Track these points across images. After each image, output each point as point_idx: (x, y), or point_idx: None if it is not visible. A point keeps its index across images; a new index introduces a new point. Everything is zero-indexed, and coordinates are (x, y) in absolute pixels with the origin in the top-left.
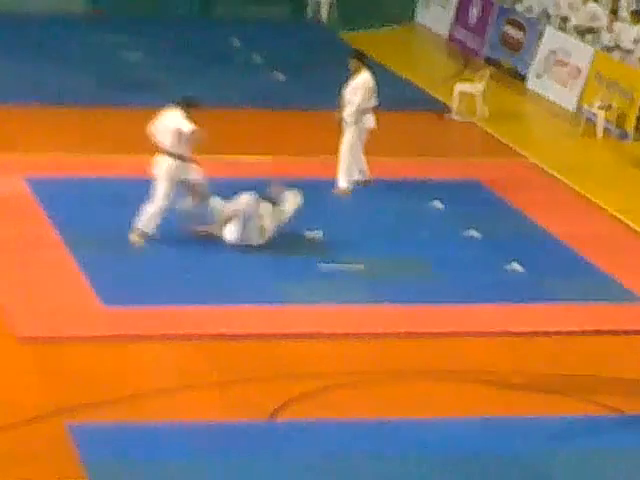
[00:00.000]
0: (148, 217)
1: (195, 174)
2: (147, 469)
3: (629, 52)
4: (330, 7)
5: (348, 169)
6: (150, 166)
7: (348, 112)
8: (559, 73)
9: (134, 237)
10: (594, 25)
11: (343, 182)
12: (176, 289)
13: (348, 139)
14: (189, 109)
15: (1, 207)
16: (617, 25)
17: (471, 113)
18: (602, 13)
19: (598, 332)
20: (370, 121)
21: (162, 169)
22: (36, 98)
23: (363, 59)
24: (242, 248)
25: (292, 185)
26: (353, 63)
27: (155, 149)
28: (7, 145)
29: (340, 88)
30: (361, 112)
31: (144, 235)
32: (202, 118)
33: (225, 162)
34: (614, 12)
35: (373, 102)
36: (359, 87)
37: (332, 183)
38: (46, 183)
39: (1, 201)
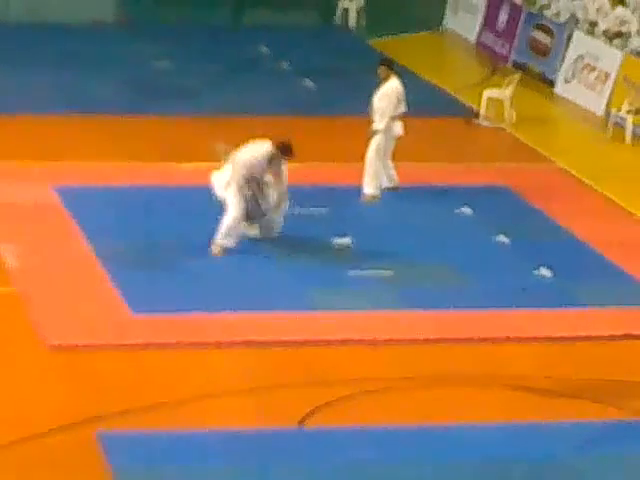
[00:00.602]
0: (226, 230)
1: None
2: (177, 477)
3: None
4: (358, 14)
5: (374, 175)
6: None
7: (379, 121)
8: (587, 78)
9: (215, 249)
10: (622, 29)
11: (369, 188)
12: (205, 296)
13: (375, 145)
14: (282, 154)
15: (31, 216)
16: None
17: (499, 118)
18: (631, 17)
19: (627, 336)
20: (398, 128)
21: (228, 181)
22: (66, 107)
23: (392, 66)
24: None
25: (321, 191)
26: (382, 70)
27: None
28: (37, 154)
29: (369, 95)
30: (390, 119)
31: (225, 250)
32: (232, 125)
33: None
34: None
35: (402, 109)
36: (388, 94)
37: (361, 190)
38: (76, 192)
39: (31, 210)
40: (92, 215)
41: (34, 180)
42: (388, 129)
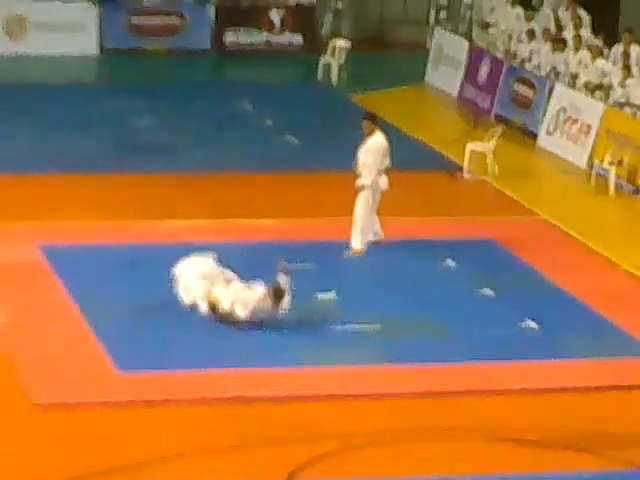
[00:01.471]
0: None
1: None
2: None
3: None
4: (340, 69)
5: (363, 231)
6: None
7: (366, 176)
8: (569, 130)
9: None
10: (603, 82)
11: (357, 243)
12: (190, 353)
13: (363, 200)
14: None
15: (15, 274)
16: (629, 81)
17: (483, 172)
18: (611, 69)
19: (613, 387)
20: (383, 182)
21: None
22: (48, 166)
23: (375, 120)
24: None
25: (305, 247)
26: (366, 125)
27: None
28: (20, 213)
29: (353, 150)
30: (376, 173)
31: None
32: (214, 182)
33: (237, 226)
34: (627, 68)
35: (387, 163)
36: (373, 149)
37: (345, 245)
38: (60, 250)
39: (15, 269)
40: (77, 273)
41: (18, 239)
42: (374, 184)
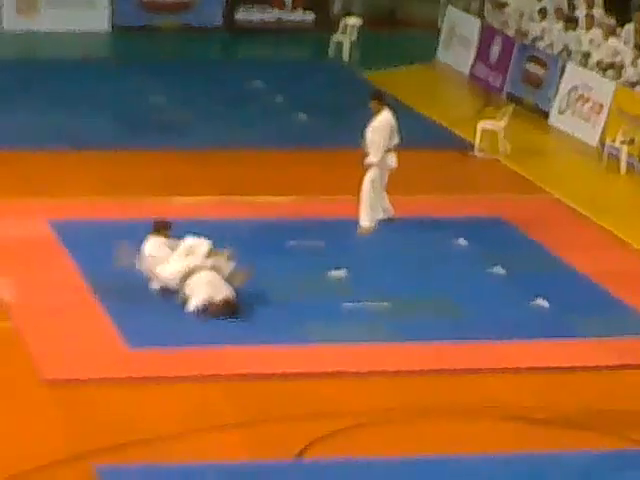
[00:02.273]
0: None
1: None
2: None
3: None
4: (351, 47)
5: (370, 208)
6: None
7: (373, 155)
8: (581, 109)
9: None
10: (615, 61)
11: (365, 221)
12: (200, 330)
13: (370, 179)
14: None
15: (26, 251)
16: None
17: (494, 150)
18: (623, 48)
19: (625, 366)
20: (392, 160)
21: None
22: (60, 142)
23: (383, 99)
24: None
25: (316, 225)
26: (373, 104)
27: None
28: (32, 189)
29: (363, 128)
30: (384, 152)
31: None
32: (226, 159)
33: (248, 203)
34: (639, 47)
35: (395, 141)
36: (380, 127)
37: (356, 223)
38: (70, 226)
39: (26, 245)
40: (87, 249)
41: (29, 216)
42: (382, 162)
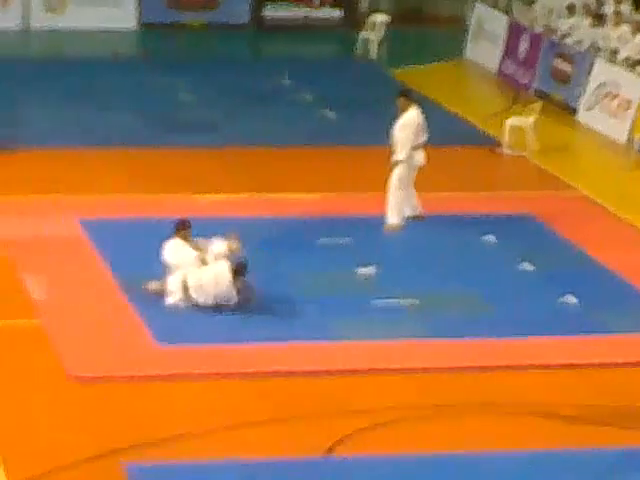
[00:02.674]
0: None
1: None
2: None
3: None
4: (379, 44)
5: (397, 205)
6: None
7: (400, 152)
8: (609, 105)
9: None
10: None
11: (393, 218)
12: (229, 327)
13: (396, 176)
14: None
15: (55, 248)
16: None
17: (522, 147)
18: None
19: None
20: (420, 158)
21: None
22: (89, 140)
23: (410, 96)
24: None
25: (344, 222)
26: (400, 101)
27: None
28: (61, 187)
29: (391, 125)
30: (411, 149)
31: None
32: (254, 157)
33: (276, 201)
34: None
35: (423, 138)
36: (407, 125)
37: (384, 220)
38: (99, 224)
39: (55, 242)
40: (116, 247)
41: (59, 213)
42: (409, 159)
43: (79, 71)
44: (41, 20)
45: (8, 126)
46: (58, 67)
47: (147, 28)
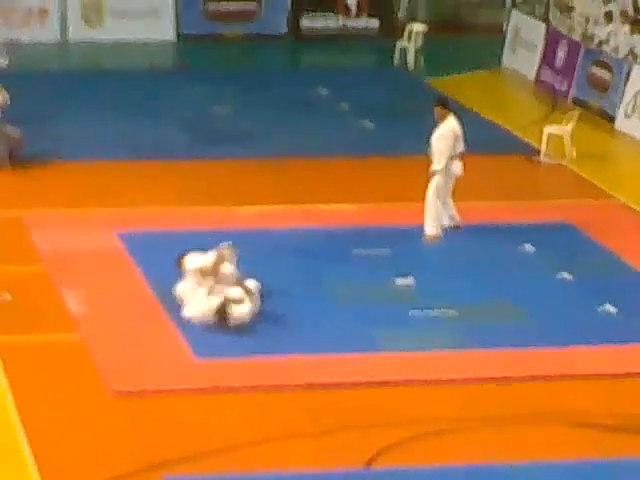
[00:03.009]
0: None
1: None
2: None
3: None
4: (416, 54)
5: (435, 215)
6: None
7: (438, 162)
8: None
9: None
10: None
11: (431, 229)
12: (268, 339)
13: (434, 186)
14: None
15: (94, 262)
16: None
17: (560, 155)
18: None
19: None
20: (457, 168)
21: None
22: (126, 152)
23: (447, 106)
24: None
25: (382, 232)
26: (437, 111)
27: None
28: (98, 200)
29: (429, 134)
30: (449, 159)
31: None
32: (291, 168)
33: (313, 211)
34: None
35: (460, 148)
36: (445, 135)
37: (422, 230)
38: (137, 237)
39: (93, 256)
40: (155, 260)
41: (97, 226)
42: (447, 169)
43: (117, 83)
44: (79, 33)
45: (46, 139)
46: (96, 79)
47: (185, 39)
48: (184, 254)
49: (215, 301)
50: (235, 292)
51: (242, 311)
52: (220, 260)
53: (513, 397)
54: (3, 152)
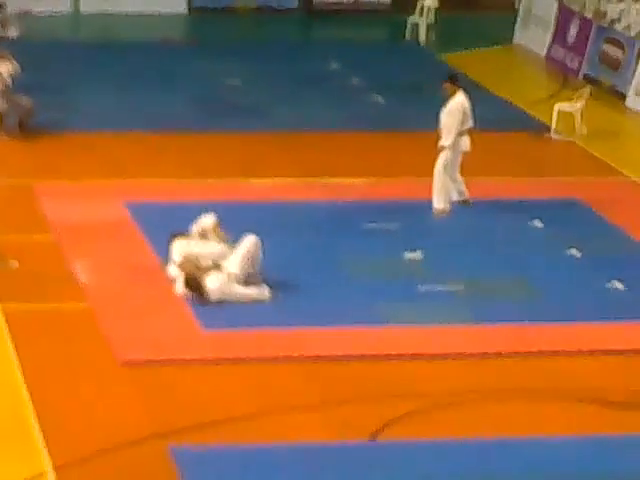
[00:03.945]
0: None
1: None
2: None
3: None
4: (428, 29)
5: (443, 190)
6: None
7: (446, 137)
8: None
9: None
10: None
11: (439, 203)
12: (275, 311)
13: (442, 161)
14: None
15: (103, 232)
16: None
17: (570, 132)
18: None
19: None
20: (465, 144)
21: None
22: (137, 125)
23: (457, 81)
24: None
25: (391, 206)
26: (447, 86)
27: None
28: (109, 171)
29: (439, 110)
30: (457, 135)
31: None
32: (302, 141)
33: (323, 185)
34: None
35: (469, 124)
36: (454, 110)
37: (431, 204)
38: (147, 208)
39: (102, 227)
40: (163, 231)
41: (106, 197)
42: (455, 144)
43: (128, 55)
44: (91, 4)
45: (57, 110)
46: (107, 51)
47: (197, 12)
48: (173, 238)
49: (180, 278)
50: (205, 261)
51: (211, 286)
52: (203, 233)
53: (520, 372)
54: (14, 120)
